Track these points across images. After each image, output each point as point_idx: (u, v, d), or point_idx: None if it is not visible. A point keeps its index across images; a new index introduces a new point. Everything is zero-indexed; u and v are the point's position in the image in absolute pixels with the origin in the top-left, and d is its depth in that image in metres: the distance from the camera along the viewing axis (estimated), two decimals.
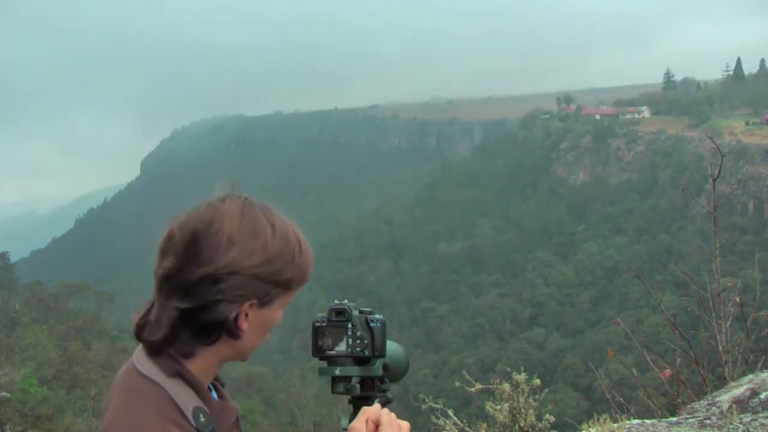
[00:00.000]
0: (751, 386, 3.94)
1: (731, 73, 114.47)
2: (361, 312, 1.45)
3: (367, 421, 1.33)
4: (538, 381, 4.22)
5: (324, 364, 1.44)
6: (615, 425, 3.78)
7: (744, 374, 4.46)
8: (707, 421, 3.68)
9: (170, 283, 1.23)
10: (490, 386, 4.35)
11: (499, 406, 4.20)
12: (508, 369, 4.44)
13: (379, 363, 1.47)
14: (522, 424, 4.13)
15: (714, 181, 5.30)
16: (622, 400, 4.65)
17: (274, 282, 1.26)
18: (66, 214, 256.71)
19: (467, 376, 4.57)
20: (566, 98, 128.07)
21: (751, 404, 3.80)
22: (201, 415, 1.23)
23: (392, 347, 1.53)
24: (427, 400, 4.45)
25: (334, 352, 1.42)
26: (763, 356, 4.70)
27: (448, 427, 4.30)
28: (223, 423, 1.29)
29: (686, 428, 3.64)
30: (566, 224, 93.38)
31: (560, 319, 72.60)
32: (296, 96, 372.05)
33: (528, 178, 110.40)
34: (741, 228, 73.54)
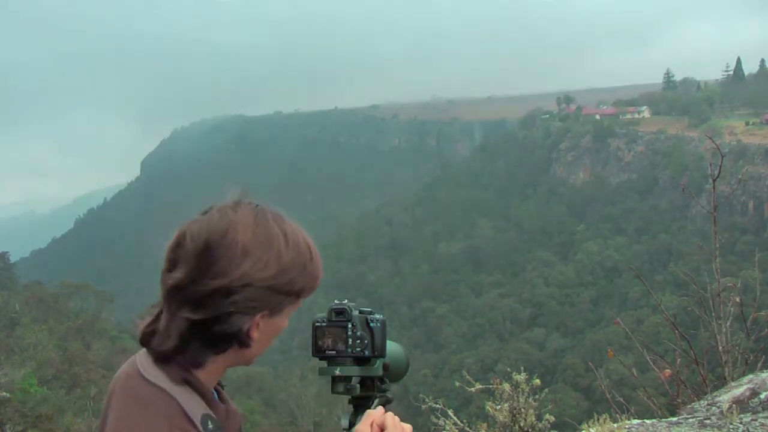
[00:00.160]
0: (751, 386, 3.94)
1: (731, 73, 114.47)
2: (361, 312, 1.45)
3: (372, 425, 1.33)
4: (538, 381, 4.22)
5: (324, 364, 1.44)
6: (615, 425, 3.78)
7: (744, 374, 4.46)
8: (707, 421, 3.68)
9: (181, 294, 1.21)
10: (490, 386, 4.35)
11: (499, 406, 4.20)
12: (508, 369, 4.44)
13: (379, 363, 1.47)
14: (522, 424, 4.13)
15: (714, 181, 5.30)
16: (622, 400, 4.65)
17: (287, 292, 1.26)
18: (66, 214, 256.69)
19: (467, 376, 4.57)
20: (566, 98, 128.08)
21: (751, 404, 3.80)
22: (209, 422, 1.22)
23: (392, 347, 1.52)
24: (427, 400, 4.45)
25: (334, 352, 1.42)
26: (763, 356, 4.70)
27: (448, 427, 4.30)
28: (229, 428, 1.29)
29: (686, 428, 3.64)
30: (566, 224, 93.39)
31: (560, 319, 72.61)
32: (296, 96, 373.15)
33: (528, 178, 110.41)
34: (741, 228, 73.52)
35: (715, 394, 4.18)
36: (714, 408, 3.84)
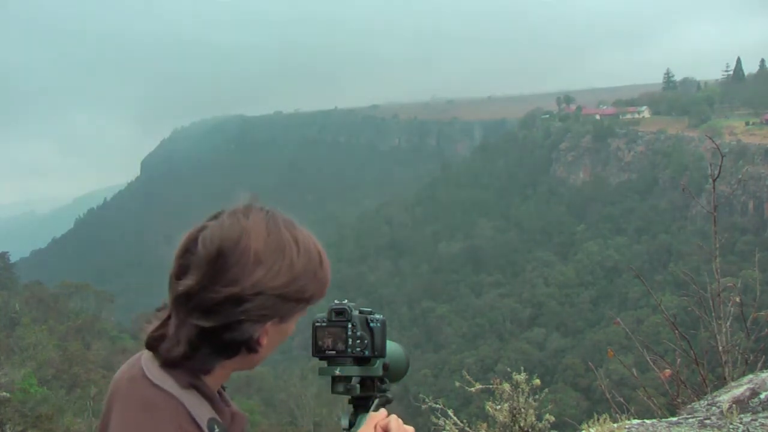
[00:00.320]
0: (751, 386, 3.94)
1: (731, 73, 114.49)
2: (361, 312, 1.45)
3: (375, 427, 1.33)
4: (538, 381, 4.22)
5: (324, 364, 1.44)
6: (615, 425, 3.78)
7: (744, 374, 4.46)
8: (707, 421, 3.68)
9: (191, 301, 1.19)
10: (490, 386, 4.35)
11: (499, 406, 4.20)
12: (508, 369, 4.44)
13: (379, 363, 1.47)
14: (522, 424, 4.13)
15: (714, 181, 5.30)
16: (622, 400, 4.65)
17: (297, 300, 1.26)
18: (66, 214, 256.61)
19: (467, 376, 4.57)
20: (566, 98, 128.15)
21: (751, 404, 3.80)
22: (216, 427, 1.22)
23: (392, 347, 1.52)
24: (427, 400, 4.45)
25: (334, 352, 1.42)
26: (763, 356, 4.70)
27: (448, 427, 4.30)
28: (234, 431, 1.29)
29: (686, 428, 3.64)
30: (566, 224, 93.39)
31: (560, 319, 72.62)
32: (296, 96, 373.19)
33: (528, 178, 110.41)
34: (741, 228, 73.53)
35: (715, 394, 4.18)
36: (714, 408, 3.84)
